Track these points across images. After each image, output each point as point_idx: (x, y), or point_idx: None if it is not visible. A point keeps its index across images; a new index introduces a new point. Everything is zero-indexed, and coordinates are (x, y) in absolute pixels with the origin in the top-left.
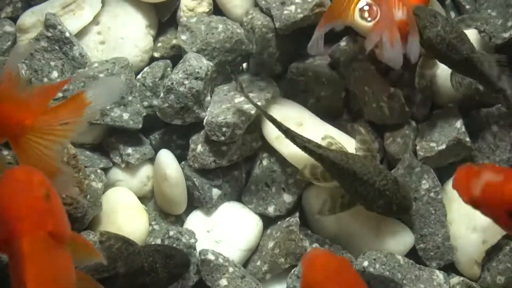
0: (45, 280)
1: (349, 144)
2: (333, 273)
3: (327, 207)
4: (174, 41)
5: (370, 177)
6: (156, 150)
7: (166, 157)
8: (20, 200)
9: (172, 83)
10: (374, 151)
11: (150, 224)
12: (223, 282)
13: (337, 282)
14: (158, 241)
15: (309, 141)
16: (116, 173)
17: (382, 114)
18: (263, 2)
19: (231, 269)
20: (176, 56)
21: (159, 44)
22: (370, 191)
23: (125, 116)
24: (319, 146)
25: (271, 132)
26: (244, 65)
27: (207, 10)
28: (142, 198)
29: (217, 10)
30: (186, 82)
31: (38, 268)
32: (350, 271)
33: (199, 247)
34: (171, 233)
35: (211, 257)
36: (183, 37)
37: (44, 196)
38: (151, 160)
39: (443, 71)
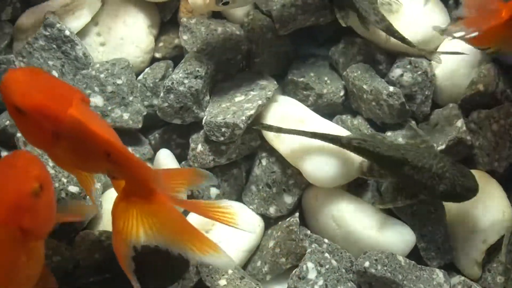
0: None
1: None
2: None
3: (388, 198)
4: (176, 41)
5: (426, 162)
6: (156, 149)
7: (165, 157)
8: (3, 191)
9: (172, 83)
10: (428, 141)
11: None
12: (223, 282)
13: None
14: None
15: (361, 140)
16: None
17: (382, 112)
18: (263, 5)
19: (230, 271)
20: (178, 56)
21: (161, 44)
22: (428, 177)
23: (125, 116)
24: (372, 144)
25: (270, 132)
26: (244, 63)
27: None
28: None
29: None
30: (186, 81)
31: None
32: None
33: None
34: None
35: None
36: (185, 37)
37: (33, 192)
38: (151, 159)
39: (443, 70)
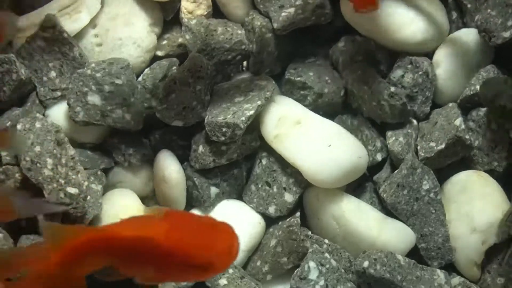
0: None
1: (349, 141)
2: None
3: None
4: (180, 39)
5: None
6: (156, 150)
7: (165, 158)
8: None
9: (175, 82)
10: None
11: None
12: (223, 281)
13: None
14: None
15: None
16: (118, 173)
17: (383, 112)
18: (261, 6)
19: (230, 270)
20: (183, 54)
21: (165, 42)
22: None
23: (127, 117)
24: None
25: (269, 132)
26: (244, 63)
27: (205, 13)
28: (144, 198)
29: (217, 11)
30: (190, 80)
31: None
32: None
33: None
34: None
35: None
36: (187, 37)
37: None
38: (150, 161)
39: (444, 71)
